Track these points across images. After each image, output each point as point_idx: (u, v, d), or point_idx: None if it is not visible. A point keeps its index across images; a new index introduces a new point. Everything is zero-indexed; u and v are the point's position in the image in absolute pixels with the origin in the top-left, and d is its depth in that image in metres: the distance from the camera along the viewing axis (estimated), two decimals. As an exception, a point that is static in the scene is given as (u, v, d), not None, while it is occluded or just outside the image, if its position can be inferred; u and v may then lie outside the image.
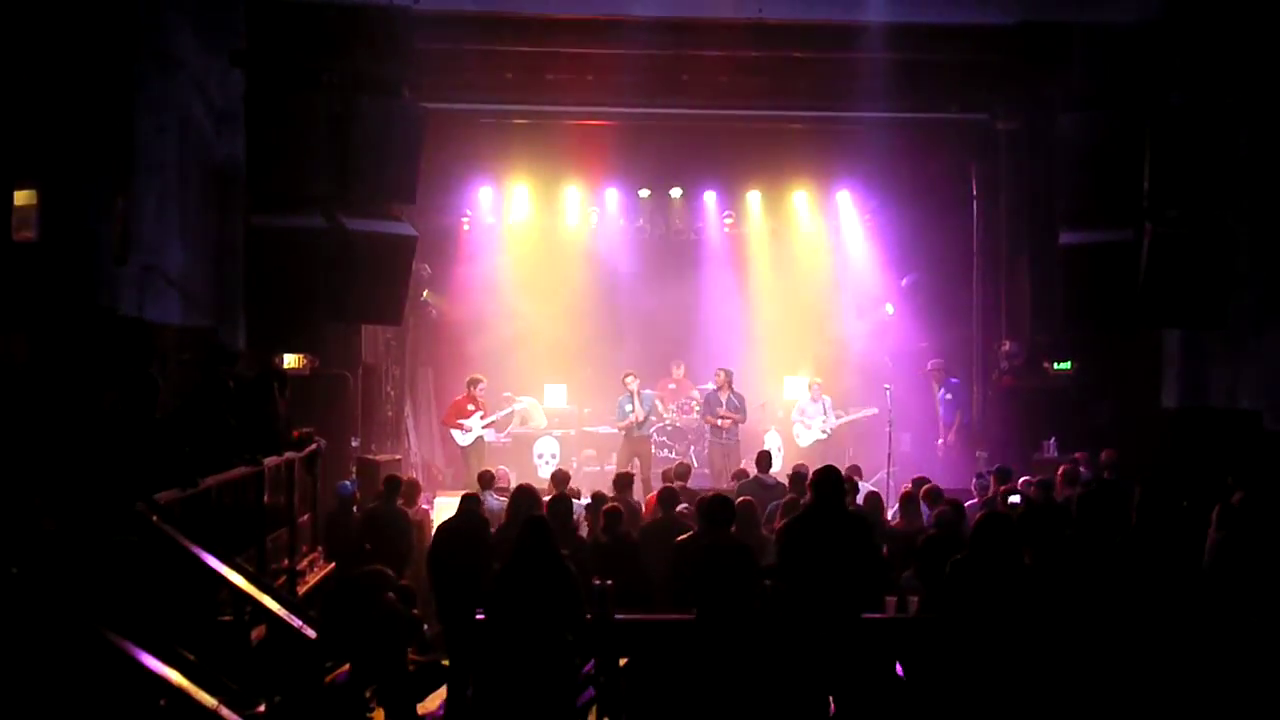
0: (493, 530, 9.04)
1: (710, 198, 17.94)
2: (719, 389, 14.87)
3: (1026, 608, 6.54)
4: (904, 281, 16.76)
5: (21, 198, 8.26)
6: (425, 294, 16.15)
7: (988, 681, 6.46)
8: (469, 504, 9.14)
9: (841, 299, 17.69)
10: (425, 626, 8.92)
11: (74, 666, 4.85)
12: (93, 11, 8.78)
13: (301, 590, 8.70)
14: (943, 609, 6.74)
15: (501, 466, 13.34)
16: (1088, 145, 12.05)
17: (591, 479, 13.95)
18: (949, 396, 14.67)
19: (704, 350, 16.74)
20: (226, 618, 6.61)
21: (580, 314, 17.13)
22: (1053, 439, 13.21)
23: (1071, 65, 12.28)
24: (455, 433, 14.62)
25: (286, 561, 8.75)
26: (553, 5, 12.46)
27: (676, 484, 10.46)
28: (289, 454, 9.17)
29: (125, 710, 4.95)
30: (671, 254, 17.95)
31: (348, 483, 11.26)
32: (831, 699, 6.96)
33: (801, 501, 9.32)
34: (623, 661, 7.48)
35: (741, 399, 14.84)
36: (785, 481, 10.62)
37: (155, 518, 6.01)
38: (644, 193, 17.74)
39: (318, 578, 9.34)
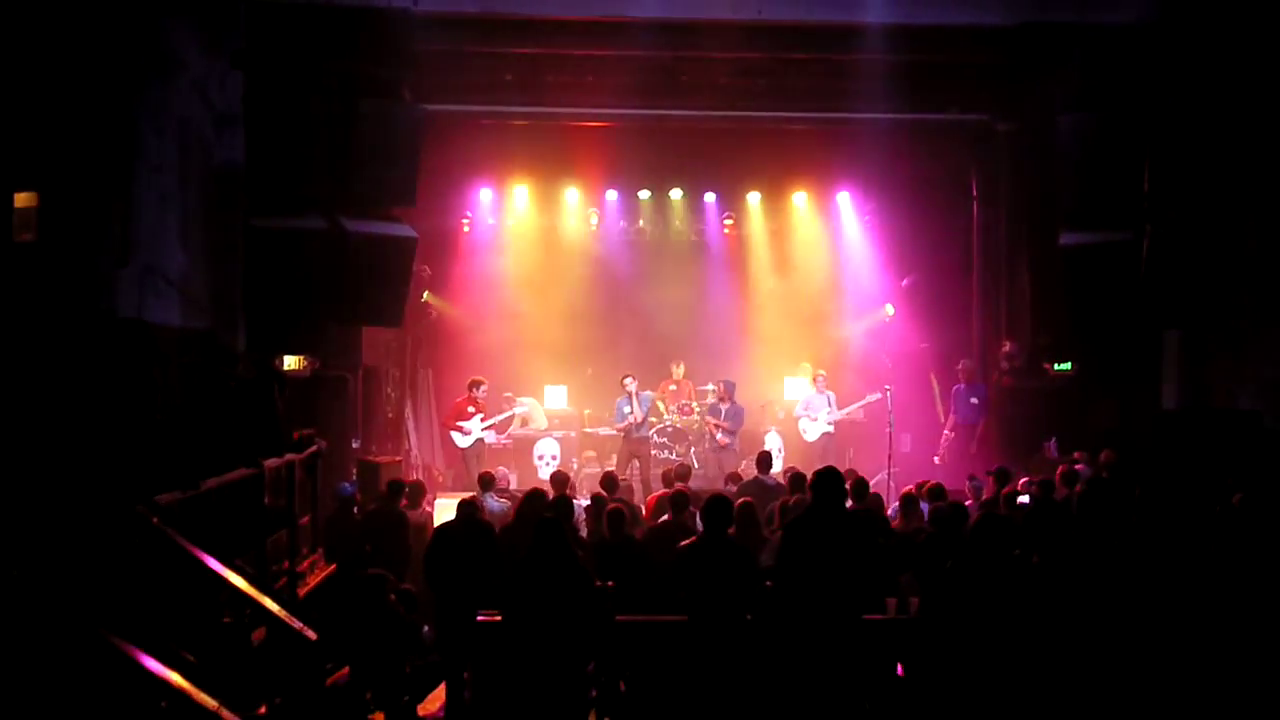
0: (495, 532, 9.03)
1: (710, 199, 17.96)
2: (720, 400, 14.93)
3: (1023, 609, 6.53)
4: (904, 282, 16.77)
5: (22, 199, 8.27)
6: (425, 295, 16.16)
7: (983, 683, 6.45)
8: (467, 508, 9.13)
9: (841, 300, 17.70)
10: (425, 629, 8.92)
11: (74, 668, 4.85)
12: (93, 14, 8.79)
13: (302, 592, 8.68)
14: (937, 610, 6.74)
15: (502, 468, 13.36)
16: (1087, 146, 12.06)
17: (592, 481, 13.93)
18: (975, 400, 14.57)
19: (704, 352, 16.75)
20: (227, 619, 6.61)
21: (581, 315, 17.14)
22: (1053, 440, 13.20)
23: (1071, 66, 12.29)
24: (455, 434, 14.63)
25: (287, 563, 8.73)
26: (552, 7, 12.46)
27: (677, 485, 10.45)
28: (289, 455, 9.16)
29: (126, 712, 4.94)
30: (671, 255, 17.97)
31: (348, 484, 11.27)
32: (831, 700, 6.96)
33: (794, 500, 9.37)
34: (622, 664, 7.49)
35: (740, 413, 14.90)
36: (785, 482, 10.61)
37: (155, 519, 6.00)
38: (644, 194, 17.76)
39: (318, 580, 9.33)
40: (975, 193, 15.46)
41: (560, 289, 17.36)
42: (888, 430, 14.09)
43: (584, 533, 9.48)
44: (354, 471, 12.24)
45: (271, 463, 8.45)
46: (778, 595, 6.92)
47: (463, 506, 9.22)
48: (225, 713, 5.01)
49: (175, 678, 4.95)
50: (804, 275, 17.89)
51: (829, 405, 15.12)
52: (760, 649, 6.87)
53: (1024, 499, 9.82)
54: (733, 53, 13.27)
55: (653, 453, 15.06)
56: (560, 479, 10.67)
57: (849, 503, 8.99)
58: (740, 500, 8.65)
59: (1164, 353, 12.71)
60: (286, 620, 6.52)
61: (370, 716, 8.17)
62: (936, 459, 14.46)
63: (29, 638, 4.81)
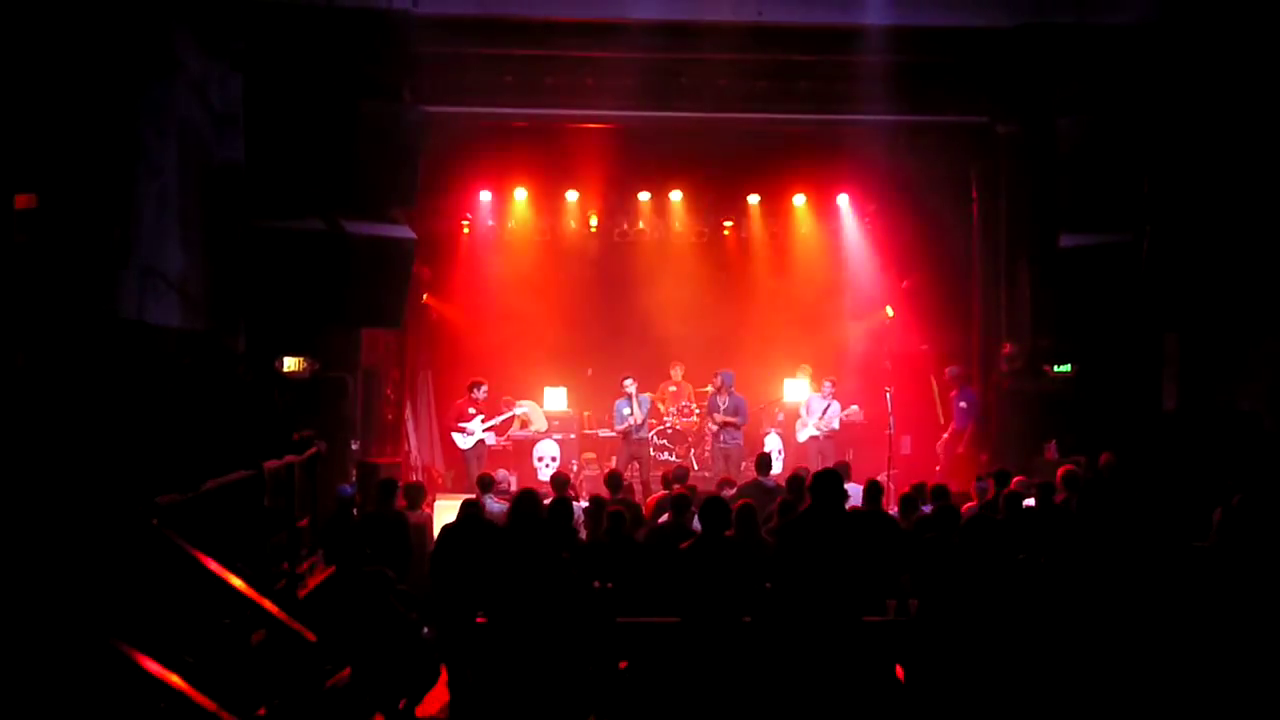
0: (495, 533, 9.03)
1: (710, 201, 17.94)
2: (716, 392, 14.87)
3: (1021, 610, 6.53)
4: (904, 284, 16.77)
5: (22, 201, 8.27)
6: (425, 297, 16.16)
7: (979, 683, 6.45)
8: (469, 508, 9.13)
9: (841, 302, 17.70)
10: (426, 630, 8.91)
11: (73, 670, 4.84)
12: (93, 15, 8.80)
13: (301, 594, 8.67)
14: (932, 612, 6.74)
15: (502, 470, 13.35)
16: (1087, 148, 12.07)
17: (591, 482, 13.96)
18: (964, 404, 14.59)
19: (704, 354, 16.73)
20: (226, 621, 6.61)
21: (580, 317, 17.16)
22: (1053, 442, 13.20)
23: (1070, 68, 12.29)
24: (455, 436, 14.63)
25: (286, 565, 8.73)
26: (552, 9, 12.48)
27: (675, 488, 10.43)
28: (289, 457, 9.16)
29: (125, 713, 4.94)
30: (671, 257, 17.95)
31: (348, 486, 11.26)
32: (830, 701, 6.95)
33: (790, 501, 9.36)
34: (622, 664, 7.48)
35: (741, 402, 14.83)
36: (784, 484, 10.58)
37: (155, 521, 6.00)
38: (644, 196, 17.76)
39: (318, 581, 9.32)
40: (975, 194, 15.45)
41: (560, 291, 17.37)
42: (887, 432, 14.09)
43: (583, 535, 9.46)
44: (354, 473, 12.24)
45: (271, 464, 8.45)
46: (776, 596, 6.92)
47: (466, 507, 9.21)
48: (224, 714, 5.01)
49: (174, 679, 4.95)
50: (804, 277, 17.88)
51: (821, 414, 15.01)
52: (759, 650, 6.87)
53: (1029, 501, 9.81)
54: (733, 55, 13.26)
55: (652, 454, 15.05)
56: (561, 481, 10.66)
57: (859, 505, 9.02)
58: (740, 502, 8.64)
59: (1164, 354, 12.72)
60: (286, 622, 6.51)
61: (370, 718, 8.16)
62: (938, 469, 14.49)
63: (29, 639, 4.81)
